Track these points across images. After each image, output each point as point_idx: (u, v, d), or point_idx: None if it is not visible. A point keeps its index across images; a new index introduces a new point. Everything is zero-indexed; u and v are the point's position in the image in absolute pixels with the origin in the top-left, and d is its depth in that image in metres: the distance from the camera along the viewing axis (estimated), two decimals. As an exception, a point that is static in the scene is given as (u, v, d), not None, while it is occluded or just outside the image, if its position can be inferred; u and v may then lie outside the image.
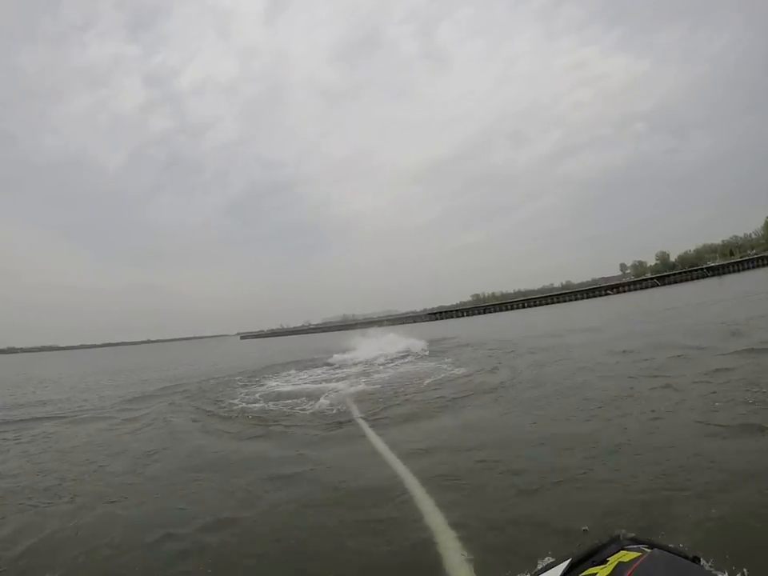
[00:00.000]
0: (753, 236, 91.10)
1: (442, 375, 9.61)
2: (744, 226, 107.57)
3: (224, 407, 8.34)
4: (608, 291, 73.82)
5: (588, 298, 72.34)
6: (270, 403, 8.14)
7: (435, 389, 8.21)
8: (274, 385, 11.02)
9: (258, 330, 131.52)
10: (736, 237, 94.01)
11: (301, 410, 7.36)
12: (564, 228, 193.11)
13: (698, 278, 69.62)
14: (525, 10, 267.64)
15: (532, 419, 5.42)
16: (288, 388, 10.30)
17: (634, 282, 78.29)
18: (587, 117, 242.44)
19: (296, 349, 31.20)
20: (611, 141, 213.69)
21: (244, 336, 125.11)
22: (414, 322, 77.38)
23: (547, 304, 69.77)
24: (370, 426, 5.89)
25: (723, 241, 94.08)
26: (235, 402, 8.72)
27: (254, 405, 8.17)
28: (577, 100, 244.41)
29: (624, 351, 9.48)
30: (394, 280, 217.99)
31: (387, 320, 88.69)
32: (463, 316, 72.01)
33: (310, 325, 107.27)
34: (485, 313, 71.10)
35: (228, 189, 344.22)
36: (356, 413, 6.77)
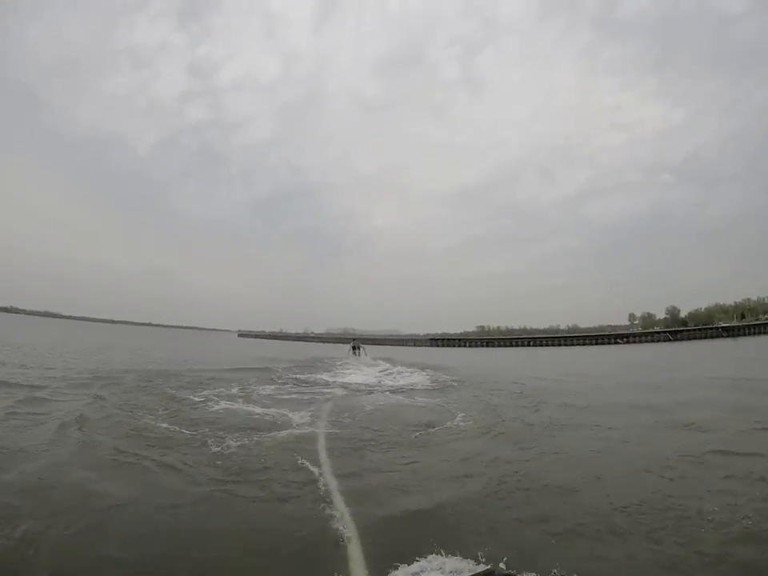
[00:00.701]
0: (766, 300, 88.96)
1: (439, 423, 7.36)
2: (761, 286, 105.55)
3: (121, 417, 6.77)
4: (618, 340, 71.66)
5: (597, 344, 70.29)
6: (181, 428, 6.30)
7: (427, 450, 5.90)
8: (212, 398, 9.22)
9: (259, 330, 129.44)
10: (749, 299, 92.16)
11: (215, 446, 5.51)
12: (578, 270, 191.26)
13: (711, 337, 68.28)
14: (569, 45, 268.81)
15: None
16: (221, 406, 8.42)
17: (646, 334, 76.10)
18: (617, 161, 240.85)
19: (283, 355, 29.57)
20: (638, 188, 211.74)
21: (242, 334, 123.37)
22: (415, 345, 75.48)
23: (553, 345, 67.58)
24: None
25: (735, 302, 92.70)
26: (139, 414, 7.04)
27: (159, 425, 6.43)
28: (609, 143, 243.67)
29: (653, 408, 7.94)
30: (401, 301, 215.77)
31: (388, 340, 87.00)
32: (466, 346, 69.99)
33: (310, 333, 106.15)
34: (488, 346, 68.99)
35: (252, 187, 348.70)
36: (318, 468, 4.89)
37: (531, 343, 68.56)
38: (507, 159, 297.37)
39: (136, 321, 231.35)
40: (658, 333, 76.62)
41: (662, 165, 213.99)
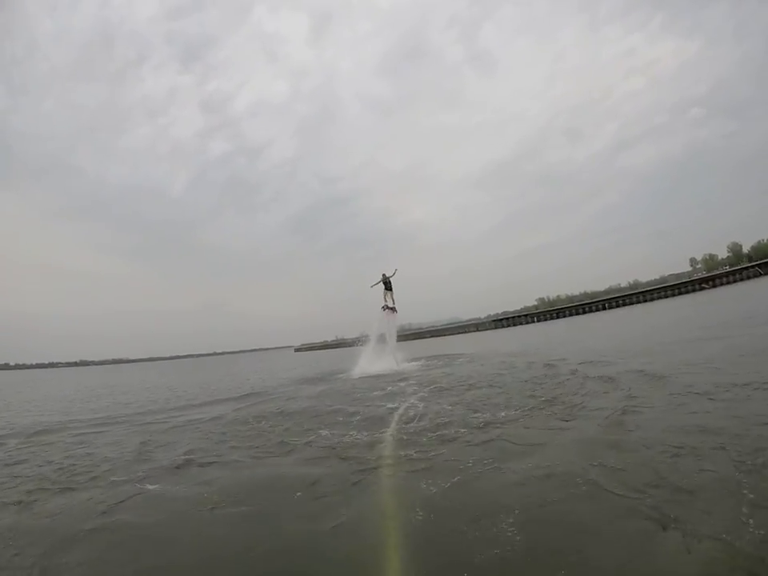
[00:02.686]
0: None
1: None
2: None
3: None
4: (703, 285, 64.53)
5: (679, 294, 63.63)
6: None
7: None
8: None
9: (321, 340, 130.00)
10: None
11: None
12: (627, 225, 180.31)
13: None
14: (566, 3, 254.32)
15: None
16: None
17: (733, 273, 68.26)
18: (641, 106, 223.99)
19: (321, 368, 24.24)
20: (668, 129, 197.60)
21: (299, 349, 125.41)
22: (477, 330, 71.59)
23: (632, 303, 61.70)
24: None
25: None
26: None
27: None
28: (629, 90, 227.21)
29: None
30: (457, 289, 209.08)
31: (449, 329, 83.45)
32: (533, 321, 65.38)
33: (366, 335, 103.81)
34: (558, 317, 64.07)
35: (288, 206, 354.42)
36: None
37: (607, 306, 62.95)
38: (530, 128, 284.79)
39: (200, 353, 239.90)
40: (745, 269, 68.49)
41: (688, 100, 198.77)
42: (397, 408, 7.96)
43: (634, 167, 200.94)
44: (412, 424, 6.55)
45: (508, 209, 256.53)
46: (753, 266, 68.72)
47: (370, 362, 18.51)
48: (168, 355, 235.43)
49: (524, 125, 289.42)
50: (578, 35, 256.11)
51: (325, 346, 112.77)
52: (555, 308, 72.17)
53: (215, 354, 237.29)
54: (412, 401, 8.55)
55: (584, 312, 63.24)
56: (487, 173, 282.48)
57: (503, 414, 6.48)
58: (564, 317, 63.49)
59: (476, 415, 6.57)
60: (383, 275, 21.19)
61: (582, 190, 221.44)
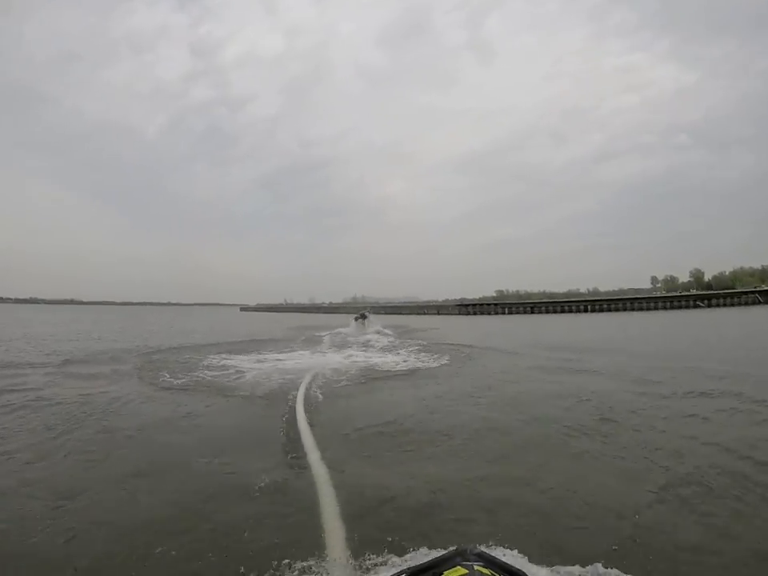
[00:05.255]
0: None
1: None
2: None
3: None
4: (699, 303, 56.19)
5: (671, 308, 54.92)
6: None
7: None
8: None
9: (268, 303, 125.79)
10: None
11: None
12: (596, 234, 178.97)
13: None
14: (576, 9, 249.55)
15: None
16: None
17: (732, 295, 60.00)
18: (631, 123, 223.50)
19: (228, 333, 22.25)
20: (653, 150, 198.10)
21: (244, 308, 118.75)
22: (438, 313, 61.36)
23: (616, 310, 52.63)
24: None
25: (763, 265, 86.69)
26: None
27: None
28: (621, 105, 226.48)
29: None
30: (416, 269, 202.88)
31: (406, 307, 73.05)
32: (504, 313, 55.49)
33: (317, 303, 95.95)
34: (533, 312, 54.39)
35: (263, 163, 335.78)
36: None
37: (589, 308, 53.56)
38: (517, 124, 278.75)
39: (155, 301, 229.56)
40: (744, 293, 60.10)
41: (677, 126, 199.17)
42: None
43: (613, 179, 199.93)
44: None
45: (482, 198, 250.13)
46: (753, 292, 61.05)
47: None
48: (120, 301, 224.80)
49: (512, 119, 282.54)
50: (582, 42, 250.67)
51: (270, 308, 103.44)
52: (529, 302, 62.41)
53: (170, 303, 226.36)
54: None
55: (562, 311, 53.69)
56: (467, 160, 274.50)
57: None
58: (540, 313, 53.87)
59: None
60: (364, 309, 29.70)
61: (558, 191, 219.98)
